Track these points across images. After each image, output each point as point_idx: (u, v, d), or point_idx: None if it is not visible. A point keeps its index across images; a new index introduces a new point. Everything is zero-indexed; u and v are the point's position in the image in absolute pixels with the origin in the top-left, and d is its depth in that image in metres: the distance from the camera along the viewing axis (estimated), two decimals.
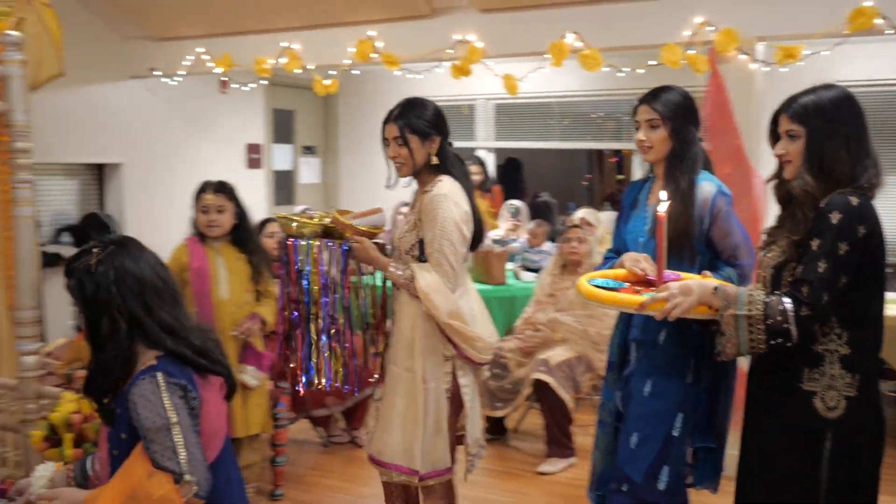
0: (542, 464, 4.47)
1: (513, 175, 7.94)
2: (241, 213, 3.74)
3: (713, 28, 4.22)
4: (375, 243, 2.95)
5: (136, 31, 6.12)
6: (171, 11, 5.76)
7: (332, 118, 8.33)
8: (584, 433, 4.49)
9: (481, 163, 7.12)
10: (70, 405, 2.73)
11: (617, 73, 4.94)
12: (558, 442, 4.48)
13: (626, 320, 2.77)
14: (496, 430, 4.89)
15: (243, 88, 6.90)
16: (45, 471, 2.18)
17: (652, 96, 2.67)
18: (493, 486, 4.25)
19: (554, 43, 4.62)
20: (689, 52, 4.32)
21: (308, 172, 8.35)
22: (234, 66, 5.72)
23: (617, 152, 9.75)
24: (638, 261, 2.49)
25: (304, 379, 3.01)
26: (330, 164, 8.49)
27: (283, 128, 8.03)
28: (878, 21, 3.91)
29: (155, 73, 6.14)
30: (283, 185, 8.08)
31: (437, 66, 5.53)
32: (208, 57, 5.80)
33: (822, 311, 2.06)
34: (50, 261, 5.18)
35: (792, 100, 2.21)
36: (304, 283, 2.95)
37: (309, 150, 8.35)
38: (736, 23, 4.18)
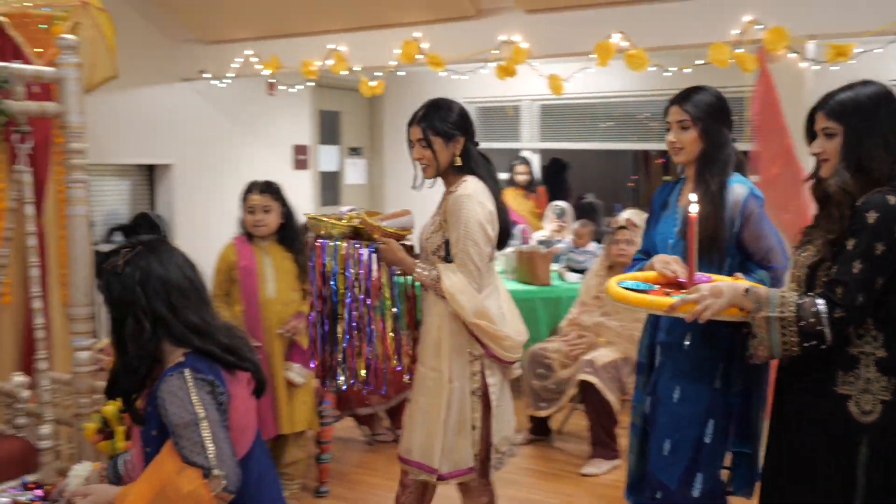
0: (586, 465, 4.45)
1: (557, 176, 7.90)
2: (287, 213, 3.79)
3: (762, 26, 4.17)
4: (403, 245, 2.97)
5: (186, 35, 6.23)
6: (220, 15, 5.85)
7: (378, 119, 8.39)
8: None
9: (527, 163, 7.12)
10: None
11: (663, 73, 4.91)
12: (603, 443, 4.46)
13: (653, 323, 2.74)
14: (540, 430, 4.88)
15: (290, 90, 6.99)
16: (81, 470, 2.23)
17: (683, 97, 2.64)
18: (537, 487, 4.24)
19: (599, 43, 4.60)
20: (737, 50, 4.28)
21: (354, 173, 8.42)
22: (281, 68, 5.80)
23: (663, 153, 9.64)
24: (668, 263, 2.47)
25: (329, 378, 3.08)
26: (375, 165, 8.55)
27: (329, 129, 8.10)
28: None
29: (205, 75, 6.24)
30: (330, 186, 8.15)
31: (481, 67, 5.54)
32: (256, 59, 5.89)
33: (856, 313, 2.02)
34: (103, 260, 5.29)
35: (829, 97, 2.17)
36: (332, 283, 2.99)
37: (355, 152, 8.42)
38: (785, 21, 4.12)
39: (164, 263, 2.05)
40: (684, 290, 2.27)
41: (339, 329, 3.01)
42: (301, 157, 7.69)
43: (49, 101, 3.52)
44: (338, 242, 2.97)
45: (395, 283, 3.04)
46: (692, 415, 2.55)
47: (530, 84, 6.37)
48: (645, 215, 5.83)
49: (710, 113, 2.60)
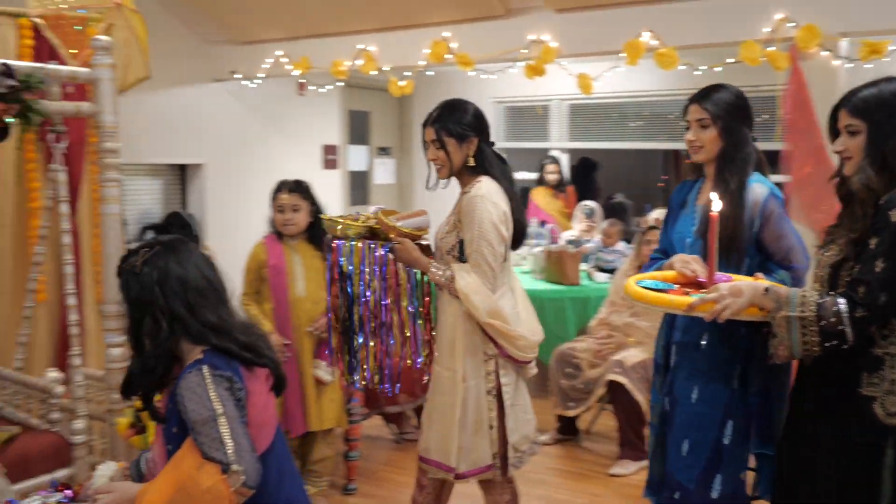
0: (614, 466, 4.43)
1: (587, 175, 7.88)
2: (316, 212, 3.82)
3: (794, 24, 4.13)
4: (419, 245, 2.98)
5: (218, 36, 6.29)
6: (252, 16, 5.90)
7: (407, 119, 8.42)
8: None
9: (557, 162, 7.11)
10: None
11: (693, 72, 4.87)
12: (631, 444, 4.44)
13: (669, 322, 2.71)
14: (568, 430, 4.87)
15: (320, 90, 7.03)
16: (105, 470, 2.26)
17: (702, 95, 2.61)
18: (564, 487, 4.24)
19: (629, 41, 4.59)
20: (768, 49, 4.24)
21: (383, 173, 8.45)
22: (311, 69, 5.83)
23: None
24: (688, 262, 2.45)
25: (346, 377, 3.12)
26: (404, 165, 8.58)
27: (358, 129, 8.14)
28: None
29: (236, 76, 6.30)
30: (359, 186, 8.19)
31: (510, 67, 5.53)
32: (287, 60, 5.93)
33: (879, 312, 1.98)
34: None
35: (852, 93, 2.14)
36: (348, 283, 3.02)
37: (384, 151, 8.45)
38: (818, 18, 4.07)
39: (183, 263, 2.06)
40: (703, 290, 2.25)
41: (355, 328, 3.05)
42: (330, 157, 7.73)
43: (84, 101, 3.57)
44: (353, 242, 3.01)
45: (413, 283, 3.06)
46: (710, 415, 2.52)
47: (559, 83, 6.36)
48: None
49: (729, 111, 2.57)
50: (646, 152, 8.72)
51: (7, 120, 3.05)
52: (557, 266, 5.50)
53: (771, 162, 2.77)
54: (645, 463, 4.35)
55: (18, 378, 3.63)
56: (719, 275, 2.31)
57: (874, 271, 1.98)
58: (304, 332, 3.75)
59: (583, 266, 5.67)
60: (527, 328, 2.97)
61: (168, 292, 2.02)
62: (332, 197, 7.41)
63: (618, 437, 4.53)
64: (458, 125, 2.90)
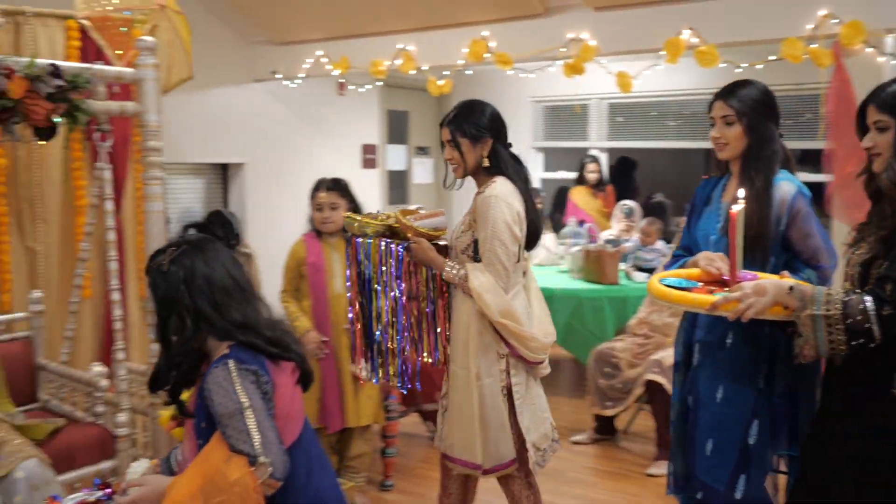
0: (651, 466, 4.40)
1: (626, 175, 7.83)
2: (354, 210, 3.84)
3: (838, 20, 4.07)
4: (436, 244, 3.00)
5: (259, 37, 6.37)
6: (292, 16, 5.96)
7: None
8: None
9: (597, 161, 7.08)
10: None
11: (735, 70, 4.81)
12: (669, 444, 4.40)
13: (690, 320, 2.68)
14: (606, 429, 4.85)
15: (360, 90, 7.08)
16: (138, 467, 2.30)
17: (727, 92, 2.58)
18: (601, 486, 4.22)
19: (669, 39, 4.55)
20: (811, 46, 4.18)
21: (421, 172, 8.48)
22: (351, 68, 5.88)
23: None
24: (713, 260, 2.42)
25: (366, 375, 3.17)
26: (442, 165, 8.56)
27: (397, 128, 8.18)
28: None
29: (276, 76, 6.37)
30: (397, 185, 8.23)
31: (549, 66, 5.52)
32: (327, 60, 5.98)
33: None
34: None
35: (880, 89, 2.09)
36: (366, 280, 3.06)
37: (422, 151, 8.48)
38: (862, 14, 4.01)
39: (209, 262, 2.10)
40: (727, 289, 2.22)
41: (374, 326, 3.09)
42: (369, 157, 7.78)
43: (128, 101, 3.64)
44: (371, 240, 3.04)
45: (429, 282, 3.08)
46: (736, 416, 2.49)
47: (598, 82, 6.33)
48: None
49: (755, 108, 2.54)
50: (685, 151, 8.64)
51: (55, 119, 3.12)
52: (596, 265, 5.48)
53: (814, 161, 2.73)
54: None
55: (64, 372, 3.72)
56: (744, 273, 2.28)
57: None
58: (342, 328, 3.78)
59: (621, 265, 5.64)
60: (539, 329, 3.00)
61: (194, 291, 2.06)
62: (370, 196, 7.46)
63: (655, 438, 4.50)
64: (472, 126, 2.94)
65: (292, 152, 6.89)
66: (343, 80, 7.05)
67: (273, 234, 6.25)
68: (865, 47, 4.07)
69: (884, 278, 1.97)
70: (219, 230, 6.07)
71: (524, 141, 8.10)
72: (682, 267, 2.61)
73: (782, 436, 2.51)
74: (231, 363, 1.99)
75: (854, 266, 2.12)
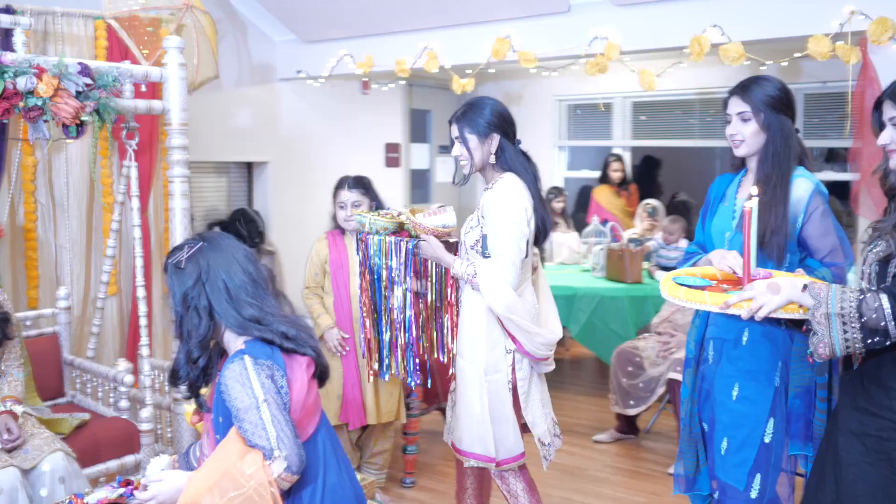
0: (673, 465, 4.37)
1: (649, 174, 7.80)
2: (377, 207, 3.85)
3: (865, 17, 4.02)
4: (446, 242, 3.02)
5: (284, 36, 6.40)
6: (317, 16, 5.99)
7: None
8: None
9: (621, 160, 7.06)
10: None
11: (760, 67, 4.79)
12: None
13: (703, 317, 2.65)
14: (628, 428, 4.84)
15: (383, 89, 7.10)
16: (158, 462, 2.34)
17: (743, 88, 2.56)
18: (623, 485, 4.21)
19: (694, 37, 4.52)
20: (838, 42, 4.14)
21: (444, 171, 8.49)
22: (374, 67, 5.90)
23: None
24: (726, 258, 2.41)
25: (377, 369, 3.19)
26: None
27: (420, 127, 8.19)
28: None
29: (301, 75, 6.40)
30: (420, 184, 8.24)
31: (573, 64, 5.51)
32: (351, 59, 6.01)
33: None
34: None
35: None
36: (376, 277, 3.09)
37: (445, 150, 8.49)
38: (890, 10, 3.95)
39: (225, 259, 2.13)
40: (740, 287, 2.20)
41: (384, 321, 3.12)
42: (392, 155, 7.80)
43: (155, 99, 3.68)
44: (381, 238, 3.07)
45: (439, 279, 3.11)
46: (752, 414, 2.47)
47: (622, 81, 6.32)
48: None
49: (771, 104, 2.52)
50: (710, 150, 8.60)
51: (83, 118, 3.16)
52: (619, 264, 5.47)
53: (840, 160, 2.71)
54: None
55: (90, 367, 3.76)
56: (758, 270, 2.26)
57: None
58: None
59: (644, 264, 5.62)
60: (546, 326, 3.02)
61: (210, 287, 2.10)
62: (393, 195, 7.47)
63: (678, 437, 4.48)
64: (479, 123, 2.96)
65: (316, 151, 6.92)
66: (367, 79, 7.07)
67: (296, 233, 6.29)
68: (893, 44, 4.02)
69: None
70: (243, 228, 6.13)
71: (547, 139, 8.08)
72: (695, 264, 2.59)
73: (798, 435, 2.48)
74: (247, 358, 2.01)
75: (870, 264, 2.09)
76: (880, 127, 2.13)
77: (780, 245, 2.46)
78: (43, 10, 4.12)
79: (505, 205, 2.85)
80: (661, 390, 4.48)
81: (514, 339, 2.89)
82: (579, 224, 6.89)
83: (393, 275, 3.08)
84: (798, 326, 2.26)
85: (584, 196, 7.61)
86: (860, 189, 4.19)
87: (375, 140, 7.61)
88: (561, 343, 6.95)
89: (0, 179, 4.02)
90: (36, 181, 4.20)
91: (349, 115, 7.27)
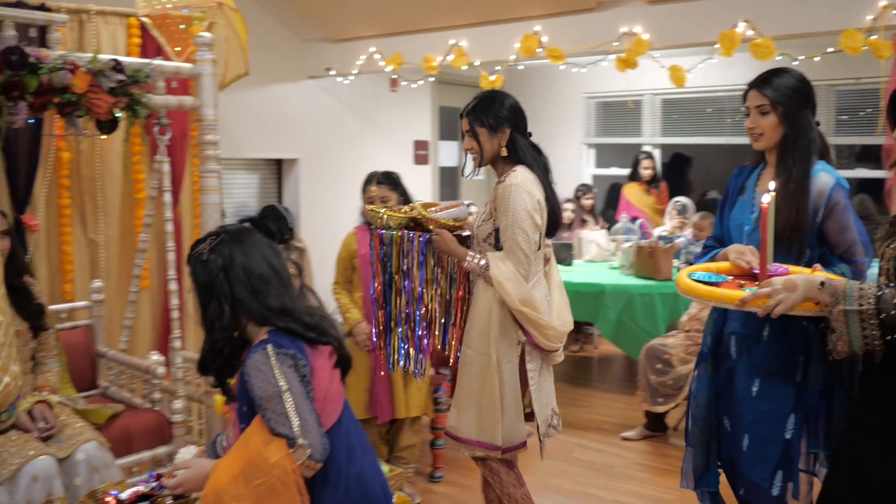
0: None
1: (679, 171, 7.75)
2: (405, 202, 3.87)
3: None
4: (458, 236, 3.04)
5: (314, 34, 6.45)
6: (346, 14, 6.03)
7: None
8: None
9: (652, 158, 7.03)
10: None
11: (792, 62, 4.74)
12: None
13: (721, 311, 2.63)
14: (656, 426, 4.81)
15: (412, 86, 7.12)
16: (186, 453, 2.37)
17: (762, 81, 2.53)
18: (651, 482, 4.19)
19: (724, 32, 4.49)
20: (871, 37, 4.09)
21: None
22: (403, 64, 5.92)
23: None
24: (743, 253, 2.39)
25: (389, 363, 3.22)
26: None
27: (448, 125, 8.20)
28: None
29: (330, 72, 6.44)
30: (449, 182, 8.25)
31: (602, 60, 5.49)
32: (380, 56, 6.03)
33: None
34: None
35: None
36: (388, 271, 3.12)
37: None
38: None
39: (247, 251, 2.16)
40: (758, 283, 2.18)
41: (394, 315, 3.15)
42: (421, 153, 7.82)
43: (186, 96, 3.73)
44: (394, 233, 3.09)
45: (450, 273, 3.12)
46: (773, 410, 2.43)
47: (651, 78, 6.29)
48: None
49: (791, 96, 2.49)
50: (740, 147, 8.52)
51: (116, 113, 3.21)
52: (649, 261, 5.44)
53: (873, 157, 2.67)
54: None
55: (123, 359, 3.82)
56: (776, 266, 2.24)
57: None
58: None
59: (674, 262, 5.59)
60: (558, 318, 3.04)
61: (232, 278, 2.12)
62: (422, 192, 7.49)
63: None
64: (490, 116, 2.98)
65: (345, 148, 6.96)
66: (395, 77, 7.10)
67: (326, 229, 6.33)
68: None
69: None
70: (272, 225, 6.14)
71: (576, 137, 8.07)
72: (712, 259, 2.57)
73: (819, 432, 2.45)
74: (269, 348, 2.03)
75: (889, 260, 2.06)
76: (895, 121, 2.10)
77: (801, 240, 2.43)
78: (77, 9, 4.19)
79: (517, 197, 2.87)
80: (689, 388, 4.45)
81: (525, 331, 2.91)
82: (609, 221, 6.87)
83: (405, 269, 3.10)
84: (816, 323, 2.24)
85: (613, 193, 7.58)
86: (894, 186, 4.14)
87: (404, 137, 7.64)
88: (589, 341, 7.01)
89: (35, 174, 4.08)
90: (70, 176, 4.27)
91: (378, 113, 7.30)
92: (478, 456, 3.01)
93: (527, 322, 2.88)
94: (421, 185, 7.56)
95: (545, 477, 4.24)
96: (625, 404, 5.44)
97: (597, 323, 5.53)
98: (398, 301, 3.14)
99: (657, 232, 6.20)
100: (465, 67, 5.66)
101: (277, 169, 6.78)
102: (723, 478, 2.70)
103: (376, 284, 3.16)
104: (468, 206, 4.52)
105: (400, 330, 3.16)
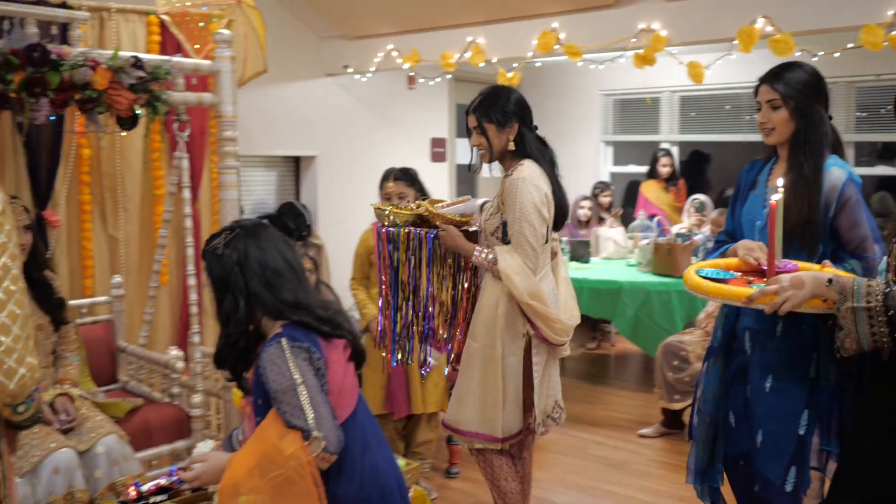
0: None
1: (698, 169, 7.72)
2: (423, 199, 3.88)
3: None
4: (464, 231, 3.05)
5: (332, 31, 6.47)
6: (364, 11, 6.05)
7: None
8: None
9: (670, 155, 7.01)
10: None
11: (811, 58, 4.71)
12: None
13: (734, 306, 2.56)
14: (673, 423, 4.80)
15: (429, 83, 7.12)
16: (203, 447, 2.39)
17: (772, 75, 2.51)
18: (667, 479, 4.18)
19: (743, 28, 4.47)
20: (892, 33, 4.06)
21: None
22: (421, 62, 5.92)
23: None
24: (752, 249, 2.37)
25: (393, 357, 3.24)
26: None
27: (466, 123, 8.18)
28: None
29: (348, 70, 6.46)
30: (466, 179, 8.25)
31: (619, 56, 5.48)
32: (397, 53, 6.05)
33: None
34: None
35: None
36: (395, 268, 3.13)
37: None
38: None
39: (262, 245, 2.17)
40: (765, 280, 2.16)
41: (401, 311, 3.16)
42: (438, 150, 7.83)
43: (206, 92, 3.75)
44: (401, 229, 3.11)
45: (456, 269, 3.14)
46: (786, 407, 2.41)
47: (669, 75, 6.26)
48: None
49: (802, 91, 2.47)
50: (759, 145, 8.47)
51: (136, 110, 3.24)
52: (668, 259, 5.42)
53: (894, 154, 2.64)
54: None
55: (143, 354, 3.85)
56: (785, 262, 2.23)
57: None
58: None
59: (692, 260, 5.57)
60: (565, 312, 3.06)
61: (247, 272, 2.14)
62: (439, 190, 7.50)
63: None
64: (497, 112, 2.99)
65: (363, 145, 6.98)
66: (413, 74, 7.10)
67: (343, 226, 6.35)
68: None
69: None
70: (290, 221, 6.21)
71: (593, 135, 8.05)
72: (723, 254, 2.56)
73: (831, 429, 2.42)
74: (284, 341, 2.05)
75: None
76: None
77: (813, 235, 2.42)
78: (98, 6, 4.23)
79: (524, 191, 2.88)
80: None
81: (532, 324, 2.92)
82: (626, 219, 6.85)
83: (412, 265, 3.11)
84: (825, 321, 2.22)
85: (631, 191, 7.56)
86: None
87: (421, 135, 7.65)
88: (606, 339, 7.00)
89: (56, 171, 4.13)
90: (90, 173, 4.31)
91: (395, 110, 7.32)
92: (477, 448, 3.03)
93: (535, 315, 2.90)
94: (438, 183, 7.56)
95: (561, 473, 4.24)
96: (642, 401, 5.42)
97: (614, 320, 5.52)
98: (404, 297, 3.15)
99: (675, 229, 6.17)
100: (482, 65, 5.66)
101: (295, 166, 6.81)
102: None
103: (384, 278, 3.17)
104: (483, 204, 4.52)
105: (406, 326, 3.17)
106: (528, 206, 2.87)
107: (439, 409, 4.01)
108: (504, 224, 2.95)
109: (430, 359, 3.86)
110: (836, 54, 4.58)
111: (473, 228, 3.12)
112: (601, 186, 6.98)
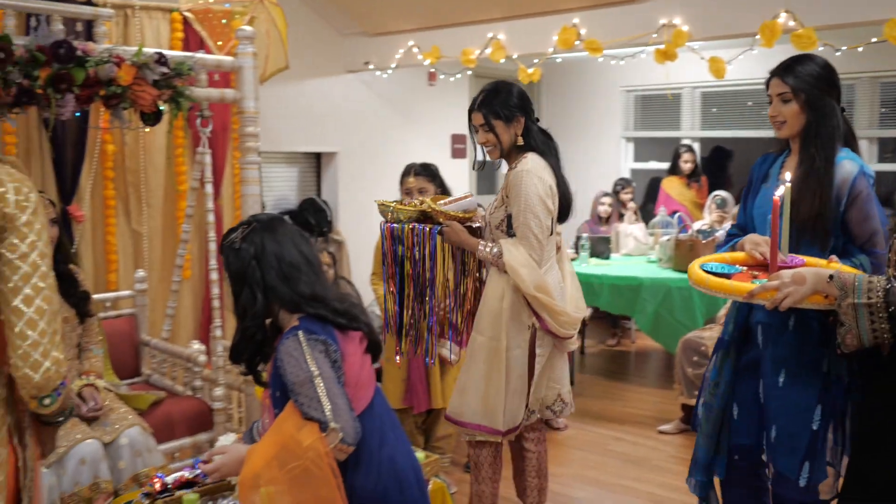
0: None
1: (719, 165, 7.67)
2: (443, 194, 3.89)
3: None
4: (469, 227, 3.06)
5: (353, 28, 6.49)
6: (384, 8, 6.06)
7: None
8: None
9: (692, 151, 6.98)
10: None
11: (834, 53, 4.67)
12: None
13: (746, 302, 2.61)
14: (693, 420, 4.78)
15: (450, 79, 7.13)
16: (224, 440, 2.42)
17: (783, 68, 2.50)
18: (685, 475, 4.17)
19: (765, 23, 4.44)
20: None
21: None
22: (441, 58, 5.93)
23: None
24: (758, 244, 2.37)
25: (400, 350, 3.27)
26: None
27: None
28: None
29: (369, 66, 6.47)
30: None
31: (640, 52, 5.46)
32: (418, 50, 6.06)
33: None
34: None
35: None
36: (400, 264, 3.15)
37: None
38: None
39: (279, 239, 2.20)
40: (768, 275, 2.16)
41: (407, 305, 3.19)
42: (458, 147, 7.83)
43: (228, 88, 3.78)
44: (405, 225, 3.12)
45: (460, 264, 3.16)
46: (799, 401, 2.40)
47: (690, 70, 6.23)
48: None
49: (813, 84, 2.45)
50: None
51: (160, 106, 3.28)
52: (689, 255, 5.40)
53: None
54: None
55: (166, 347, 3.90)
56: (792, 257, 2.22)
57: None
58: None
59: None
60: (571, 305, 3.07)
61: (264, 266, 2.16)
62: (459, 186, 7.50)
63: None
64: (504, 107, 3.01)
65: (383, 142, 7.00)
66: (433, 70, 7.12)
67: (364, 222, 6.37)
68: None
69: None
70: (311, 217, 6.24)
71: (614, 131, 8.02)
72: (732, 248, 2.56)
73: (843, 425, 2.42)
74: (301, 334, 2.07)
75: None
76: None
77: (825, 229, 2.41)
78: (122, 4, 4.28)
79: (529, 183, 2.89)
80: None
81: (538, 317, 2.93)
82: (647, 215, 6.83)
83: (416, 261, 3.13)
84: (827, 316, 2.21)
85: (653, 188, 7.53)
86: None
87: (442, 131, 7.66)
88: (626, 335, 6.98)
89: (81, 166, 4.18)
90: (115, 168, 4.36)
91: (416, 107, 7.33)
92: (477, 440, 3.03)
93: (540, 307, 2.91)
94: (458, 179, 7.57)
95: (580, 469, 4.24)
96: (661, 398, 5.41)
97: (634, 316, 5.51)
98: (410, 292, 3.17)
99: (697, 226, 6.15)
100: (503, 61, 5.66)
101: (316, 162, 6.84)
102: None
103: (389, 273, 3.18)
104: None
105: (412, 320, 3.19)
106: (533, 198, 2.88)
107: None
108: (509, 217, 2.96)
109: (452, 356, 3.89)
110: (860, 49, 4.55)
111: (476, 224, 3.14)
112: (622, 183, 6.96)
